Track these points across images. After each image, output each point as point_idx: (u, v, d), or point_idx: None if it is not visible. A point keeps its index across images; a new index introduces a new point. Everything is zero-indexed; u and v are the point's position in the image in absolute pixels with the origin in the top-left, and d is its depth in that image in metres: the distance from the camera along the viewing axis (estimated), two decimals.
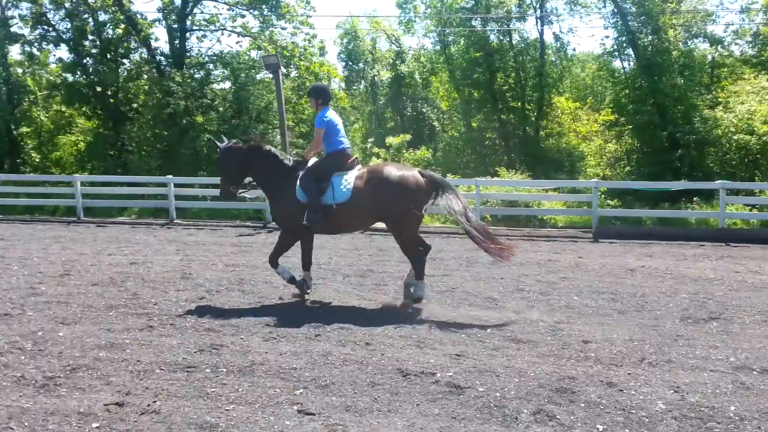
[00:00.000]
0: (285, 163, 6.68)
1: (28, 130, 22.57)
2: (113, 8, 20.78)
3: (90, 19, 21.08)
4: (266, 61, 15.14)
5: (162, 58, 21.23)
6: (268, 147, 6.80)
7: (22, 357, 4.72)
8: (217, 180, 14.53)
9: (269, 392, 4.12)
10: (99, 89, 21.07)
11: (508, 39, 25.40)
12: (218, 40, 23.48)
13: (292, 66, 21.79)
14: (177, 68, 19.72)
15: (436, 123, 29.69)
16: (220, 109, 19.32)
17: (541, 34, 25.02)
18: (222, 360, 4.71)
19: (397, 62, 29.58)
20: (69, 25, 21.20)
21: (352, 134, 27.73)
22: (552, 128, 25.08)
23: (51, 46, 22.15)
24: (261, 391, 4.13)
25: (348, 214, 6.34)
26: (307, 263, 6.97)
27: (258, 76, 21.28)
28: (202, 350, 4.93)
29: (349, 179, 6.34)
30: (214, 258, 9.52)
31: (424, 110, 29.25)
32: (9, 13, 21.84)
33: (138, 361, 4.66)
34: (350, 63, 31.93)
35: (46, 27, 21.48)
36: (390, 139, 21.53)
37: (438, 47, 28.46)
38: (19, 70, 22.39)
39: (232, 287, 7.33)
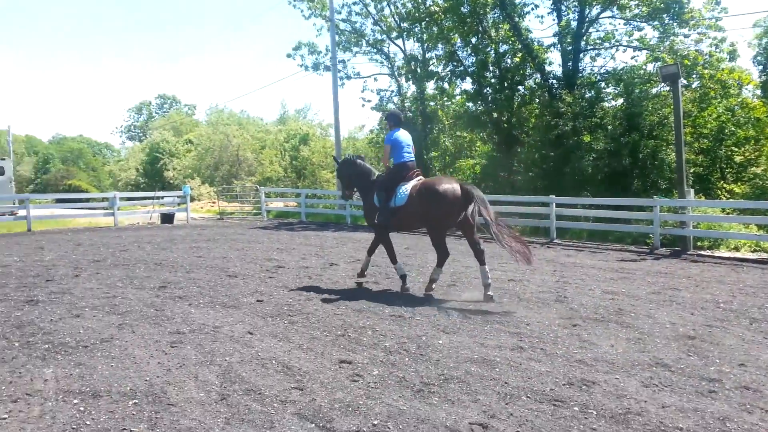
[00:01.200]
0: (371, 175, 8.54)
1: (436, 154, 25.90)
2: (513, 38, 22.19)
3: (492, 52, 22.97)
4: (664, 71, 13.82)
5: (554, 81, 21.61)
6: (362, 163, 8.71)
7: (406, 359, 5.17)
8: (602, 200, 13.99)
9: None
10: (495, 115, 22.73)
11: None
12: (612, 57, 22.70)
13: (693, 75, 19.49)
14: (568, 89, 19.78)
15: None
16: (609, 127, 18.52)
17: None
18: (592, 400, 4.26)
19: None
20: (473, 59, 23.52)
21: None
22: None
23: (458, 80, 25.02)
24: None
25: (404, 215, 7.90)
26: (370, 251, 8.59)
27: (653, 90, 19.72)
28: (571, 384, 4.57)
29: (407, 188, 7.88)
30: (592, 282, 9.02)
31: None
32: (428, 54, 25.57)
33: (506, 383, 4.59)
34: None
35: (455, 63, 24.33)
36: None
37: None
38: (432, 103, 25.88)
39: (609, 317, 6.74)
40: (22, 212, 19.92)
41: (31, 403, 4.17)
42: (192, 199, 29.65)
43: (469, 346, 5.53)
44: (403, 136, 8.25)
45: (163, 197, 24.84)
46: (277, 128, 54.28)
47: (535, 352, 5.36)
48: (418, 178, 8.07)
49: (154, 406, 4.14)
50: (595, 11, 20.83)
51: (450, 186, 7.56)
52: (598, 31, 21.49)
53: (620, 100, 20.28)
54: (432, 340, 5.72)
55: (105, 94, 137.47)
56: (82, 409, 4.07)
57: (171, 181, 50.52)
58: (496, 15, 22.72)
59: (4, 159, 28.63)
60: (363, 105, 29.81)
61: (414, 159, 8.27)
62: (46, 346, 5.50)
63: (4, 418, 3.93)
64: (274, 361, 5.09)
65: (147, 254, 12.24)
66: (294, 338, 5.82)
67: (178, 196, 24.73)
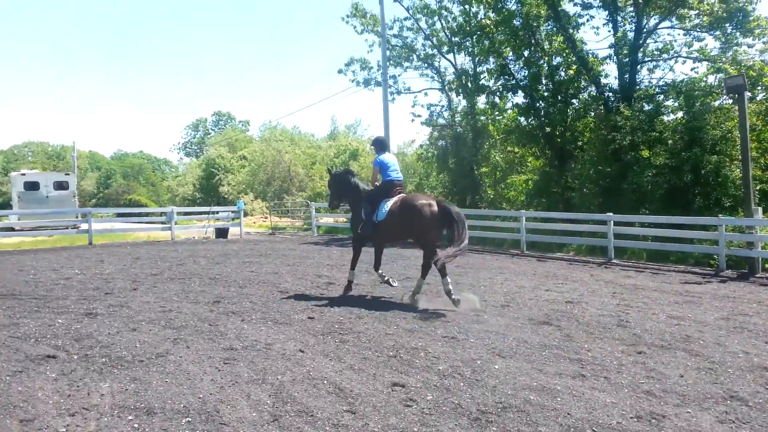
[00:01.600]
0: (361, 190, 9.13)
1: (486, 169, 25.53)
2: (567, 51, 21.75)
3: (545, 65, 22.57)
4: (729, 83, 13.24)
5: (610, 94, 21.02)
6: (353, 179, 9.31)
7: (461, 384, 4.99)
8: (664, 218, 13.38)
9: None
10: (548, 129, 22.25)
11: None
12: (671, 69, 21.83)
13: (758, 87, 18.59)
14: (625, 102, 19.19)
15: None
16: (669, 141, 17.83)
17: None
18: None
19: None
20: (526, 73, 23.15)
21: None
22: None
23: (509, 94, 24.67)
24: None
25: (385, 229, 8.60)
26: (376, 265, 9.26)
27: (715, 103, 18.90)
28: (639, 417, 4.30)
29: (389, 204, 8.56)
30: (655, 306, 8.60)
31: None
32: (479, 68, 25.35)
33: (568, 413, 4.35)
34: None
35: (507, 77, 24.01)
36: None
37: None
38: (482, 118, 25.58)
39: (675, 344, 6.38)
40: (84, 226, 20.72)
41: (88, 418, 4.21)
42: (245, 214, 30.21)
43: (527, 372, 5.30)
44: (389, 158, 9.19)
45: (218, 212, 25.40)
46: (327, 144, 54.99)
47: (599, 381, 5.09)
48: (400, 195, 8.79)
49: (207, 425, 4.11)
50: (653, 22, 20.19)
51: (426, 202, 8.32)
52: (656, 42, 20.82)
53: (680, 114, 19.53)
54: (487, 364, 5.52)
55: (164, 112, 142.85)
56: (136, 426, 4.08)
57: (225, 196, 51.78)
58: (549, 27, 22.34)
59: (68, 174, 29.98)
60: (413, 120, 29.76)
61: (400, 177, 9.15)
62: (104, 359, 5.59)
63: None
64: (325, 382, 5.01)
65: (202, 269, 12.46)
66: (345, 358, 5.73)
67: (233, 211, 25.24)
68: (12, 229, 21.43)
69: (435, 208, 8.20)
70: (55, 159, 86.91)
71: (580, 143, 21.88)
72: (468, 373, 5.26)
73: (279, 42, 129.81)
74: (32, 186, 27.26)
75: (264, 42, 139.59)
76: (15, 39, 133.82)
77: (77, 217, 25.01)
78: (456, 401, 4.57)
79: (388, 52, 25.43)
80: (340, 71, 27.53)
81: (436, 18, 25.54)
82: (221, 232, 22.84)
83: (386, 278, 9.25)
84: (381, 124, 28.02)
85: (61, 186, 27.87)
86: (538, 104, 22.82)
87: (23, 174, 29.01)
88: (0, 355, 5.75)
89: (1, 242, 18.18)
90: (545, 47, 22.41)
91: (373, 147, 9.61)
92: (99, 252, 16.50)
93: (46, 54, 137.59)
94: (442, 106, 27.05)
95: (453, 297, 8.05)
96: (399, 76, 27.18)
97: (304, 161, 48.80)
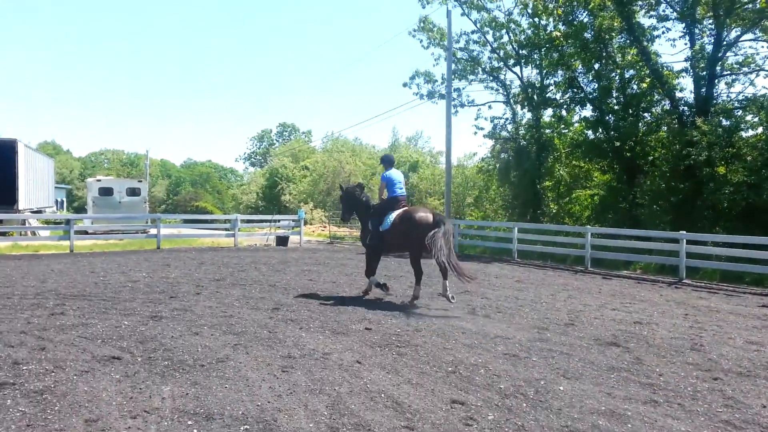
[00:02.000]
0: (369, 204, 10.15)
1: (550, 183, 24.90)
2: (640, 63, 20.99)
3: (616, 78, 21.87)
4: None
5: (685, 108, 20.09)
6: (362, 194, 10.32)
7: (524, 404, 4.78)
8: (744, 238, 12.58)
9: None
10: (617, 144, 21.47)
11: None
12: (751, 83, 20.56)
13: None
14: (701, 117, 18.28)
15: None
16: (748, 158, 16.87)
17: None
18: None
19: None
20: (596, 85, 22.49)
21: None
22: None
23: (577, 107, 23.99)
24: None
25: (389, 238, 9.50)
26: (368, 272, 10.02)
27: None
28: None
29: (393, 216, 9.43)
30: (731, 330, 8.06)
31: None
32: (546, 81, 24.83)
33: None
34: None
35: (575, 89, 23.40)
36: None
37: None
38: (547, 131, 25.01)
39: (756, 372, 5.93)
40: (153, 231, 21.51)
41: (149, 421, 4.27)
42: (305, 223, 30.64)
43: (594, 395, 5.03)
44: (396, 174, 9.92)
45: (279, 221, 25.86)
46: None
47: (672, 408, 4.77)
48: (403, 208, 9.60)
49: None
50: (733, 34, 19.19)
51: (424, 215, 9.13)
52: (736, 55, 19.77)
53: (760, 129, 18.44)
54: (551, 385, 5.27)
55: (232, 123, 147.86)
56: (195, 431, 4.10)
57: (287, 205, 52.82)
58: (622, 39, 21.63)
59: (140, 181, 31.28)
60: (476, 132, 29.35)
61: (405, 193, 9.95)
62: (166, 363, 5.70)
63: None
64: (383, 395, 4.91)
65: (262, 275, 12.65)
66: (403, 371, 5.62)
67: (293, 220, 25.64)
68: (86, 233, 22.46)
69: (430, 220, 8.99)
70: (129, 166, 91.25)
71: (650, 158, 21.01)
72: (531, 393, 5.04)
73: (344, 55, 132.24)
74: (106, 192, 28.57)
75: (330, 56, 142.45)
76: (95, 53, 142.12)
77: (147, 222, 26.05)
78: (519, 423, 4.37)
79: (453, 65, 25.33)
80: (404, 84, 27.64)
81: (503, 31, 25.27)
82: (282, 240, 23.22)
83: (381, 283, 9.93)
84: (442, 136, 27.90)
85: (133, 192, 29.08)
86: (607, 118, 22.12)
87: (98, 180, 30.44)
88: (69, 354, 5.96)
89: (75, 245, 19.10)
90: (617, 60, 21.71)
91: (382, 163, 10.33)
92: (166, 256, 17.07)
93: (124, 67, 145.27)
94: (506, 119, 26.65)
95: (415, 295, 9.38)
96: (463, 89, 27.03)
97: (364, 172, 49.19)
